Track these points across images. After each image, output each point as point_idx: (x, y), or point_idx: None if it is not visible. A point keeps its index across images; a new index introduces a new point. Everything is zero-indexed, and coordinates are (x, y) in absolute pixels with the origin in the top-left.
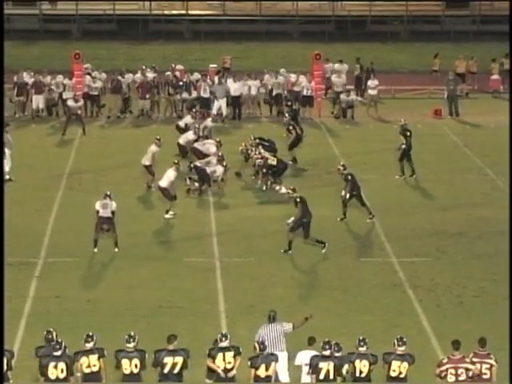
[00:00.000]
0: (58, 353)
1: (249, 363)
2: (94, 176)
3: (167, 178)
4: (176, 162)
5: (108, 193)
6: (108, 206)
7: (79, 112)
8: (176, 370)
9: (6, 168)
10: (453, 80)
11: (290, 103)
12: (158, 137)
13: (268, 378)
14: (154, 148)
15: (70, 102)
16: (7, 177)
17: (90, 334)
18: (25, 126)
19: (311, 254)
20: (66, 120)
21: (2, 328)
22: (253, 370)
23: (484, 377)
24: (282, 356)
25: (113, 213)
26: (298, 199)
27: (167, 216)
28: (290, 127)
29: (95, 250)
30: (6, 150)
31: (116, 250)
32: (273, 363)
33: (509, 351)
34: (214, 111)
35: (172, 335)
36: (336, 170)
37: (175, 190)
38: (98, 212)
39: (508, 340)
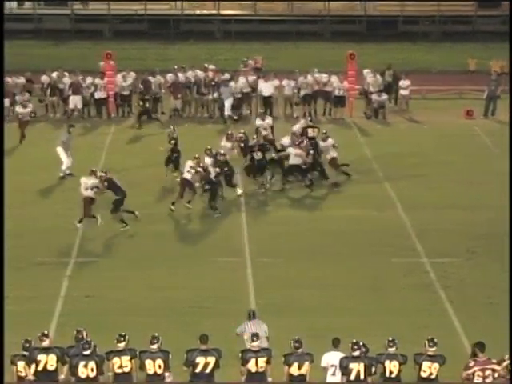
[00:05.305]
0: (88, 352)
1: (282, 359)
2: (123, 175)
3: (189, 172)
4: (197, 156)
5: (94, 169)
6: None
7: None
8: (208, 370)
9: (63, 166)
10: (495, 80)
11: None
12: (209, 147)
13: (301, 376)
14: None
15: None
16: (67, 172)
17: (123, 333)
18: (57, 125)
19: (341, 254)
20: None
21: (2, 328)
22: (286, 367)
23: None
24: None
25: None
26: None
27: (188, 205)
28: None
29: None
30: (62, 149)
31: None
32: (306, 362)
33: (509, 351)
34: (229, 112)
35: (204, 335)
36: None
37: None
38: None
39: (508, 340)
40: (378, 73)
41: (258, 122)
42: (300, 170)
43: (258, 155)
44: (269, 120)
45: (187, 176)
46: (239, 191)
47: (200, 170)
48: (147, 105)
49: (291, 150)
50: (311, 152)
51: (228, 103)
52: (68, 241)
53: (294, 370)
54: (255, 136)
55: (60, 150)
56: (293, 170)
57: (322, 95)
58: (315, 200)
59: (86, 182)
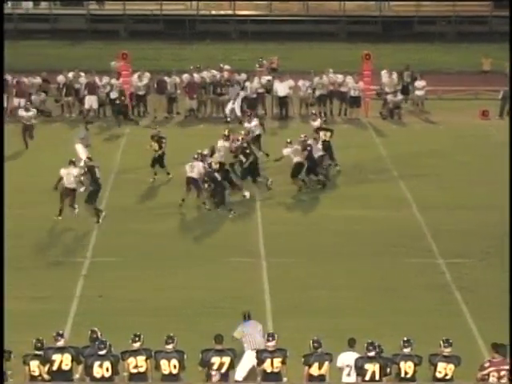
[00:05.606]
0: (103, 352)
1: (302, 360)
2: (139, 176)
3: (198, 169)
4: (196, 157)
5: (73, 159)
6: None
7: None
8: (223, 370)
9: (81, 163)
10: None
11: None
12: (200, 151)
13: (321, 376)
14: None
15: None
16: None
17: (138, 333)
18: (72, 125)
19: (356, 255)
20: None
21: (1, 328)
22: (306, 368)
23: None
24: None
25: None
26: None
27: (208, 207)
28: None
29: (59, 217)
30: (82, 146)
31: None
32: (326, 362)
33: (509, 350)
34: (227, 112)
35: (219, 335)
36: None
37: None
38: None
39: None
40: (397, 73)
41: (246, 124)
42: (304, 168)
43: (242, 159)
44: (255, 122)
45: (194, 175)
46: (247, 193)
47: (206, 166)
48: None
49: (287, 151)
50: (308, 148)
51: (231, 104)
52: (83, 240)
53: (315, 370)
54: (240, 138)
55: (79, 147)
56: (299, 169)
57: (338, 95)
58: (329, 200)
59: (70, 173)
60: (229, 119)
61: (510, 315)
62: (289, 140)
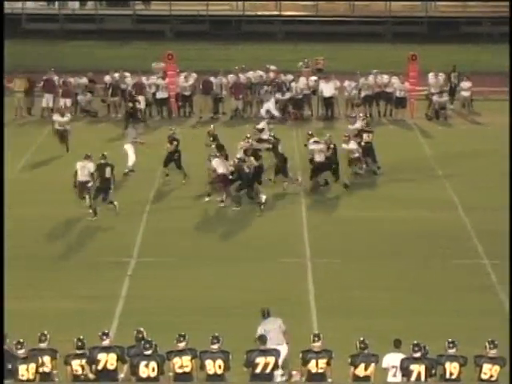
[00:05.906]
0: (149, 352)
1: (349, 361)
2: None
3: (225, 166)
4: (215, 154)
5: (89, 154)
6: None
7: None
8: (267, 371)
9: (130, 163)
10: None
11: None
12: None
13: (366, 378)
14: None
15: None
16: (131, 168)
17: (183, 333)
18: (118, 125)
19: (400, 255)
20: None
21: (1, 328)
22: (352, 368)
23: None
24: (283, 348)
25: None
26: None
27: (207, 199)
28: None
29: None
30: (131, 147)
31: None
32: (372, 364)
33: (509, 351)
34: (263, 113)
35: (263, 335)
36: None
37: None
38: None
39: (508, 341)
40: (444, 75)
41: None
42: (323, 168)
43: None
44: (263, 125)
45: (222, 170)
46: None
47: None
48: (138, 106)
49: (314, 147)
50: (331, 146)
51: (266, 104)
52: (128, 240)
53: (361, 371)
54: (249, 139)
55: (128, 147)
56: (320, 169)
57: (384, 96)
58: (373, 200)
59: (84, 167)
60: (266, 120)
61: (510, 316)
62: (310, 132)
